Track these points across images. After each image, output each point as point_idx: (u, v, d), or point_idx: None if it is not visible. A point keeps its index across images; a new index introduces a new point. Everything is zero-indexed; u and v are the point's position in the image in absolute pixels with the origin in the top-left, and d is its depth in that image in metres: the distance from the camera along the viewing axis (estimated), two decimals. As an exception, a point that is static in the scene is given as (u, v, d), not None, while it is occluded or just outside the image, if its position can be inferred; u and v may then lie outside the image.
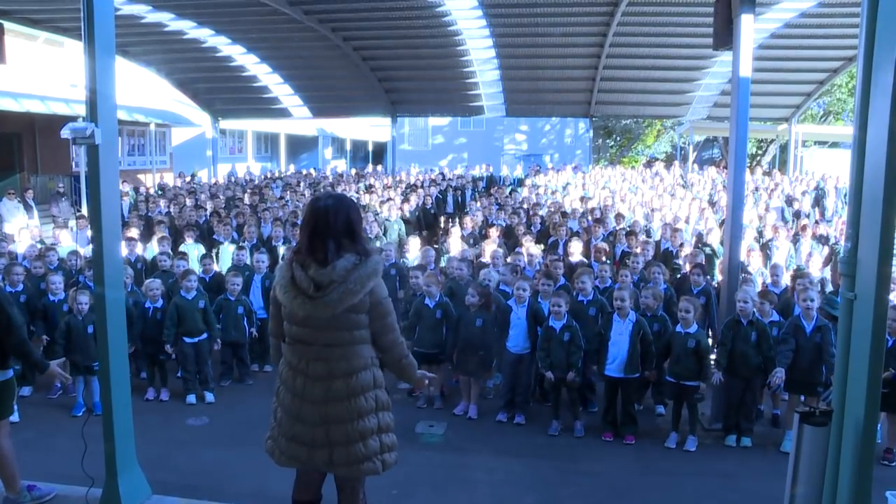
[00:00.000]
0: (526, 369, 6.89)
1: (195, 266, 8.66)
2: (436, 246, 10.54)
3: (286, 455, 3.33)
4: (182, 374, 7.41)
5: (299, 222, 11.05)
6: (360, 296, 3.14)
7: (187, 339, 7.30)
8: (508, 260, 8.71)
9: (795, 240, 10.75)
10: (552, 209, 13.26)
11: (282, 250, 9.91)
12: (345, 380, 3.23)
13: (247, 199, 15.29)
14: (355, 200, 14.48)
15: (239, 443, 6.15)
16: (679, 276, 8.67)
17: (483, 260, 8.98)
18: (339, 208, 3.25)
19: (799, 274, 7.88)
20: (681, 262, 9.14)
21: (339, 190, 16.74)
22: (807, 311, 6.19)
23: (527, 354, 6.84)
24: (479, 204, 14.50)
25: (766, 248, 10.11)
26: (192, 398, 7.24)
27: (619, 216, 12.12)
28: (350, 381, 3.23)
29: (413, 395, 7.43)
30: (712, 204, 13.86)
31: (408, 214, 13.87)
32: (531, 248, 9.28)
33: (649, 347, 6.43)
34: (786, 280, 8.01)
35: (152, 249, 9.73)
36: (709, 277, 8.34)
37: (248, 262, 8.85)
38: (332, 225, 3.20)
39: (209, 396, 7.32)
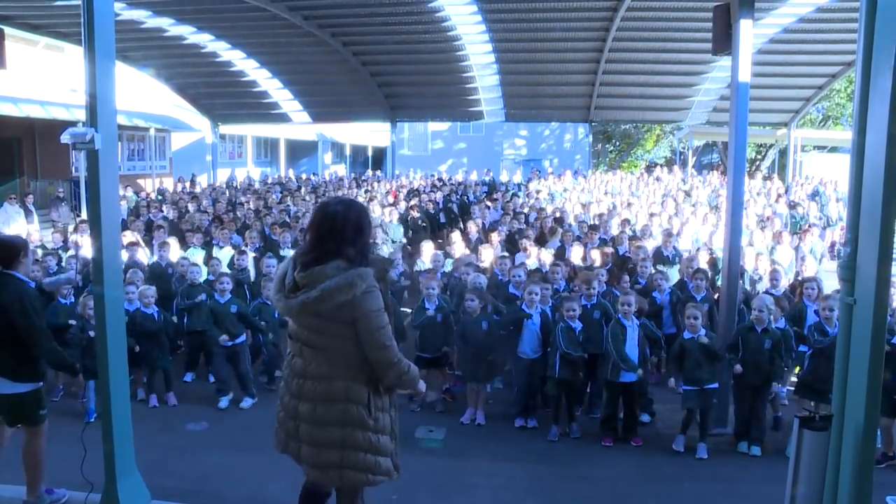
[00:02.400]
0: (539, 373, 6.80)
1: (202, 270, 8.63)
2: (441, 251, 10.54)
3: (277, 437, 3.42)
4: (215, 379, 7.39)
5: (304, 226, 11.17)
6: (327, 305, 3.06)
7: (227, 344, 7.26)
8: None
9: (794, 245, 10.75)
10: (554, 214, 13.24)
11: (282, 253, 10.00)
12: (315, 383, 3.23)
13: (251, 205, 15.26)
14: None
15: (238, 448, 6.15)
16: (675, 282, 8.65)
17: (481, 265, 8.97)
18: (347, 214, 3.21)
19: (806, 279, 7.79)
20: (672, 268, 9.08)
21: (339, 195, 16.76)
22: (828, 320, 6.16)
23: (539, 358, 6.78)
24: (479, 209, 14.47)
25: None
26: (224, 402, 7.18)
27: (625, 221, 12.08)
28: (316, 385, 3.23)
29: (412, 400, 7.42)
30: (715, 209, 13.86)
31: (409, 218, 13.87)
32: (532, 253, 9.27)
33: (660, 342, 6.54)
34: (784, 284, 8.00)
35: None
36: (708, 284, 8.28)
37: (249, 266, 8.84)
38: (335, 230, 3.16)
39: (247, 402, 7.22)
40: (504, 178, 22.09)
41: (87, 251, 9.69)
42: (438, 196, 16.89)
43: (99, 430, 4.21)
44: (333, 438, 3.16)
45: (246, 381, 7.30)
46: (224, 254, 9.71)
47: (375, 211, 13.39)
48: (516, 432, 6.66)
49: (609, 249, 9.58)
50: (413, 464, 5.82)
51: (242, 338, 7.40)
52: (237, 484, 5.43)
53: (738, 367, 6.21)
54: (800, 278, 8.32)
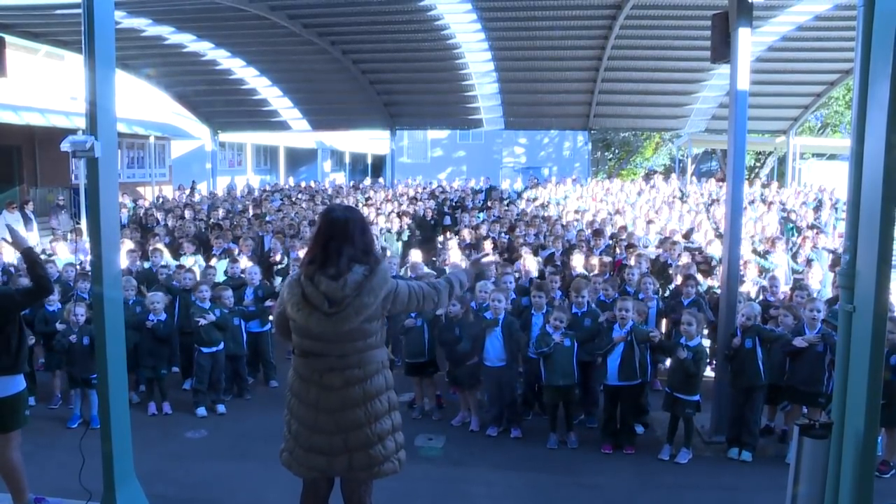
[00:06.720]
0: (508, 381, 6.81)
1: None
2: (434, 258, 10.53)
3: (305, 466, 3.36)
4: (194, 386, 7.35)
5: (304, 234, 11.20)
6: (374, 307, 3.23)
7: (204, 350, 7.26)
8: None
9: (795, 253, 10.73)
10: (550, 222, 13.25)
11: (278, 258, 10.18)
12: (360, 385, 3.29)
13: (250, 212, 15.26)
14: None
15: (238, 456, 6.13)
16: (672, 288, 8.64)
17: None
18: (354, 220, 3.35)
19: (798, 286, 7.85)
20: (671, 272, 9.07)
21: (337, 202, 16.77)
22: (811, 322, 6.19)
23: (505, 366, 6.76)
24: (475, 216, 14.45)
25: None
26: (202, 411, 7.19)
27: (622, 228, 12.09)
28: (365, 386, 3.29)
29: (412, 406, 7.41)
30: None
31: (407, 227, 13.87)
32: (528, 261, 9.25)
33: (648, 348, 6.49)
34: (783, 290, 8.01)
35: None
36: (700, 287, 8.27)
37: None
38: (348, 236, 3.27)
39: (220, 408, 7.29)
40: (505, 185, 22.07)
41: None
42: (431, 203, 16.88)
43: (97, 440, 4.20)
44: (388, 427, 3.37)
45: (218, 388, 7.39)
46: (221, 262, 9.72)
47: (371, 217, 13.39)
48: (515, 441, 6.65)
49: (607, 259, 9.55)
50: (413, 472, 5.80)
51: (221, 346, 7.40)
52: (236, 492, 5.42)
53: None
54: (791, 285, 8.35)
